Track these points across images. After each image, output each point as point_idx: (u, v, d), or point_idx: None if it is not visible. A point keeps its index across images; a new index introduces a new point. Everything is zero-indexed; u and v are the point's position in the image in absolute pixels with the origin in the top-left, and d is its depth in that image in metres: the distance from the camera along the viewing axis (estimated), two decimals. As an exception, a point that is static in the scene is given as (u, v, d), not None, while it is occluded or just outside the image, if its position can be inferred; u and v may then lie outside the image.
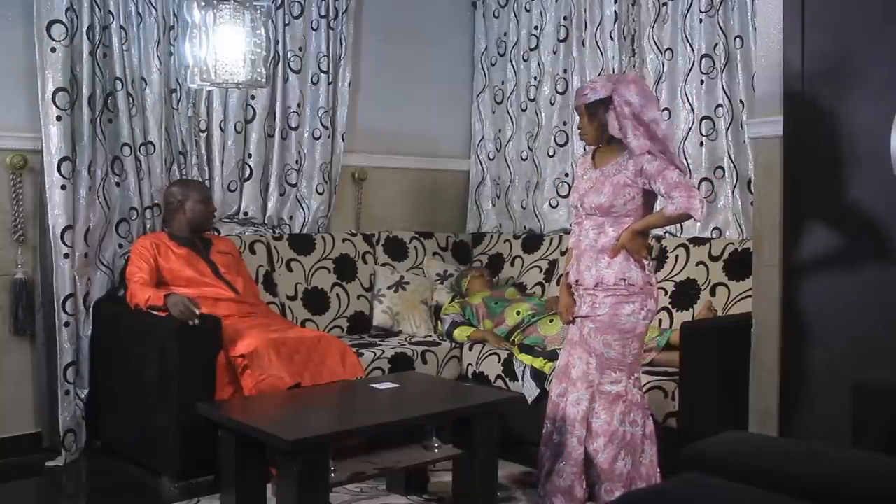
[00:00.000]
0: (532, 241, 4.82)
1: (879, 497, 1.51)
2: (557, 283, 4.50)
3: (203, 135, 4.20)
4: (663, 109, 4.20)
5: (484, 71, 5.22)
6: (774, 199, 3.03)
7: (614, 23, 4.40)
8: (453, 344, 4.25)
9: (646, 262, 2.91)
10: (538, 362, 3.72)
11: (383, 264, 4.73)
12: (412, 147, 5.04)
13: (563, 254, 4.56)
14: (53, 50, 3.59)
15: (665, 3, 4.23)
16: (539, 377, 3.66)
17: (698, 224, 4.09)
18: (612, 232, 2.90)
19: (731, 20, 3.97)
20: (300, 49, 4.48)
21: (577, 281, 2.98)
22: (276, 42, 4.36)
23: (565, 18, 4.72)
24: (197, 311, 3.28)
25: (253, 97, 4.33)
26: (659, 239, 4.16)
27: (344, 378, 3.44)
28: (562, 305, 3.10)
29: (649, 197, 2.91)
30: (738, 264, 3.73)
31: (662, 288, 3.96)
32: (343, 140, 4.67)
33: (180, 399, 3.23)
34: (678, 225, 4.15)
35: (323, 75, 4.57)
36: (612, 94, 2.86)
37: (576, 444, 2.92)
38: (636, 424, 2.92)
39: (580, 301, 2.97)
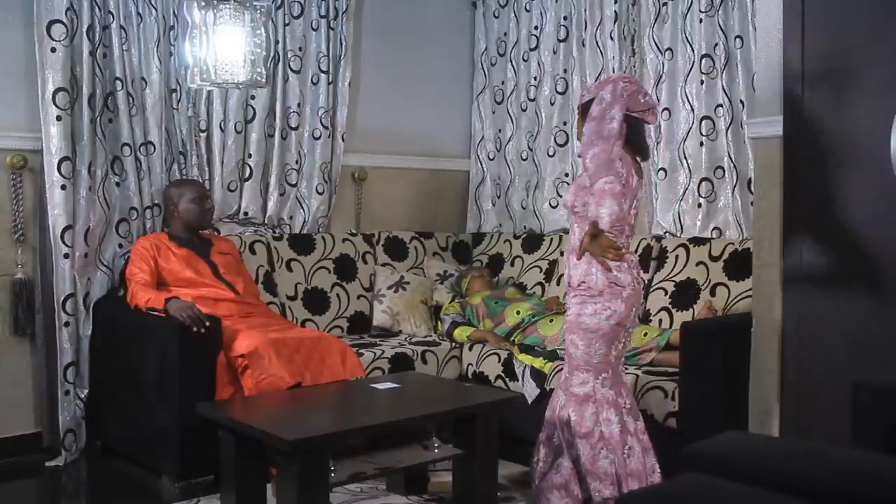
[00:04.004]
0: (532, 241, 4.81)
1: (879, 497, 1.51)
2: (558, 283, 4.50)
3: (203, 135, 4.20)
4: (663, 109, 4.20)
5: (484, 71, 5.22)
6: (774, 199, 3.04)
7: (614, 23, 4.40)
8: (453, 344, 4.25)
9: (614, 264, 2.82)
10: (538, 362, 3.72)
11: (383, 264, 4.73)
12: (412, 147, 5.04)
13: (563, 254, 4.57)
14: (53, 50, 3.59)
15: (665, 3, 4.23)
16: (539, 377, 3.66)
17: (698, 223, 4.09)
18: (578, 232, 2.92)
19: (731, 20, 3.97)
20: (300, 49, 4.48)
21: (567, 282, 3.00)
22: (276, 42, 4.35)
23: (565, 18, 4.72)
24: (206, 322, 3.28)
25: (253, 97, 4.33)
26: (659, 239, 4.16)
27: (344, 378, 3.45)
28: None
29: None
30: (738, 264, 3.73)
31: (662, 288, 3.97)
32: (343, 140, 4.67)
33: (180, 399, 3.23)
34: (678, 225, 4.16)
35: (323, 75, 4.57)
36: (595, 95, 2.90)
37: (566, 444, 2.94)
38: (610, 423, 2.88)
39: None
